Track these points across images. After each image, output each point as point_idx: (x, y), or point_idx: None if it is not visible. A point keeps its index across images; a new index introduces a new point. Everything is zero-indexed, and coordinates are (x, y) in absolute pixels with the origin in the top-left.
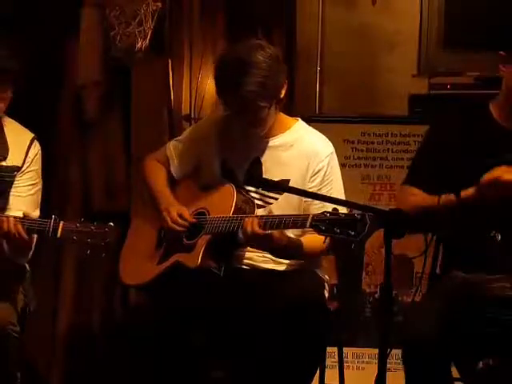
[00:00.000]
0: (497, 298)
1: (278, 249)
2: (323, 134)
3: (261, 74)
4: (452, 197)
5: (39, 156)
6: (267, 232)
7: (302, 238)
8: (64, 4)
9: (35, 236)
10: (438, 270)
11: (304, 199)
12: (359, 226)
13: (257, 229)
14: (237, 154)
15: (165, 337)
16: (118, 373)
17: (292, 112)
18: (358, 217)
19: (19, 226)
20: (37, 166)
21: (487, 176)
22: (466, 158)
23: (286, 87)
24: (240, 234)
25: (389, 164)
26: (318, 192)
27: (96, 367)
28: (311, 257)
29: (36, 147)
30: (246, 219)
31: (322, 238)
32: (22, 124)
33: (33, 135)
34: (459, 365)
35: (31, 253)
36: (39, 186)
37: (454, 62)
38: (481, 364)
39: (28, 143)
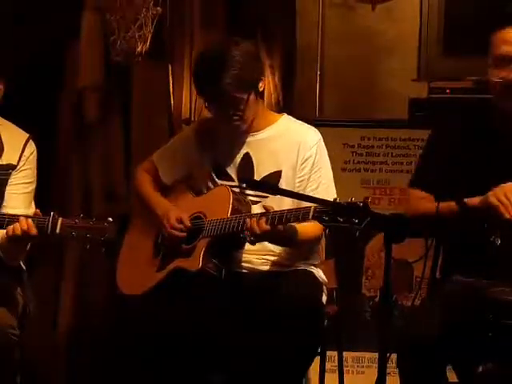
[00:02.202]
0: (496, 302)
1: (279, 238)
2: (323, 138)
3: (234, 67)
4: (453, 205)
5: (35, 155)
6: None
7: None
8: (65, 7)
9: None
10: (437, 275)
11: (297, 186)
12: (362, 214)
13: (265, 226)
14: (225, 152)
15: (165, 339)
16: (118, 376)
17: (292, 116)
18: (361, 204)
19: (30, 222)
20: (32, 164)
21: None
22: (466, 161)
23: (264, 80)
24: (247, 234)
25: (388, 168)
26: (309, 180)
27: (96, 370)
28: (309, 241)
29: (32, 146)
30: (251, 219)
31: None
32: (22, 126)
33: (28, 135)
34: (458, 369)
35: (25, 254)
36: (34, 185)
37: (453, 67)
38: (480, 368)
39: (23, 142)
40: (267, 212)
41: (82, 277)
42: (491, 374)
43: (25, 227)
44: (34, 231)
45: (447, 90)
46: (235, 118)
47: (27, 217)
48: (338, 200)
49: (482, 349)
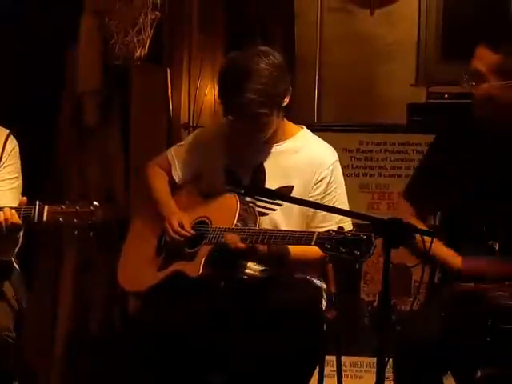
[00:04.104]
0: (495, 307)
1: (263, 258)
2: None
3: (261, 82)
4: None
5: (17, 151)
6: (249, 245)
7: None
8: (64, 12)
9: (21, 232)
10: (436, 279)
11: (307, 208)
12: (364, 247)
13: (239, 244)
14: (240, 160)
15: (163, 344)
16: (117, 380)
17: (290, 121)
18: (364, 237)
19: (13, 212)
20: (15, 159)
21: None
22: (463, 171)
23: (289, 94)
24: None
25: (387, 173)
26: (322, 200)
27: (95, 375)
28: (309, 262)
29: (13, 142)
30: (227, 235)
31: None
32: (22, 129)
33: (8, 131)
34: (457, 374)
35: (17, 248)
36: (20, 181)
37: (451, 72)
38: (479, 373)
39: (4, 138)
40: (270, 229)
41: (80, 282)
42: (490, 379)
43: (8, 216)
44: (16, 219)
45: (445, 95)
46: (256, 132)
47: (12, 208)
48: (344, 230)
49: (481, 354)
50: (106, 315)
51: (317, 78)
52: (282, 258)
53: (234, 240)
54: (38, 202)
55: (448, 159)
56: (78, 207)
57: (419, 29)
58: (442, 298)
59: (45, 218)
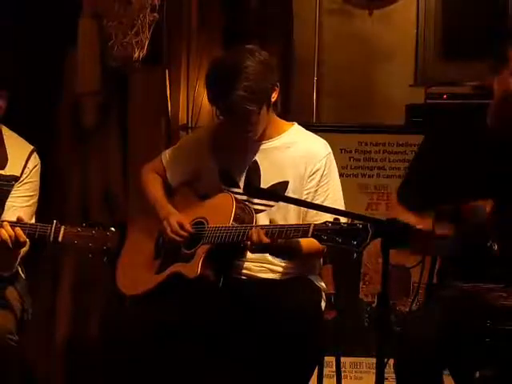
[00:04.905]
0: (494, 307)
1: (279, 251)
2: None
3: (248, 79)
4: None
5: (38, 168)
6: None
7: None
8: (62, 14)
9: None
10: (435, 280)
11: (304, 198)
12: (361, 236)
13: (264, 238)
14: (234, 159)
15: (162, 347)
16: (116, 382)
17: (289, 121)
18: (360, 226)
19: (17, 229)
20: (35, 177)
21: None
22: (458, 166)
23: (277, 90)
24: (247, 243)
25: (386, 173)
26: (316, 192)
27: (95, 377)
28: (310, 256)
29: (36, 159)
30: (252, 230)
31: None
32: (20, 133)
33: (32, 147)
34: (456, 374)
35: (16, 264)
36: (35, 199)
37: (450, 72)
38: (478, 374)
39: (28, 154)
40: (267, 225)
41: (78, 286)
42: (489, 379)
43: (11, 233)
44: (23, 237)
45: (444, 96)
46: (246, 129)
47: (19, 224)
48: (339, 220)
49: (480, 354)
50: (104, 317)
51: (315, 78)
52: (293, 252)
53: (259, 235)
54: (55, 222)
55: (444, 153)
56: (94, 231)
57: (418, 29)
58: (441, 298)
59: (60, 239)
